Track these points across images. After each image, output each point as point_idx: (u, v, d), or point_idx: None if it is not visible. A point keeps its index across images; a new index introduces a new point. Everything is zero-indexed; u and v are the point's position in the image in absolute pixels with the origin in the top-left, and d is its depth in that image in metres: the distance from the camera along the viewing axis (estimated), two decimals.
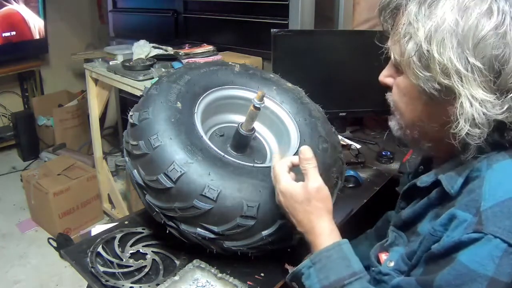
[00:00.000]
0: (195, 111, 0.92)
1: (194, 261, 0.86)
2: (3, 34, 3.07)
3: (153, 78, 1.77)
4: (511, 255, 0.52)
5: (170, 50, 1.94)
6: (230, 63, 1.08)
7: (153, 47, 1.99)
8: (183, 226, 0.82)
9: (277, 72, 1.17)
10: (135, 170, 0.84)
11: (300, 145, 0.95)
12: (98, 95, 2.20)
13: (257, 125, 0.99)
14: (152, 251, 0.92)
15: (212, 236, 0.81)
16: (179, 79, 0.96)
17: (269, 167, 0.82)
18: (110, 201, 2.46)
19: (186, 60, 1.79)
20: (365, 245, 1.05)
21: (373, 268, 0.73)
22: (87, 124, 2.82)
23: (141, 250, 0.92)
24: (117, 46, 2.37)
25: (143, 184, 0.83)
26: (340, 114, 1.67)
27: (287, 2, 1.80)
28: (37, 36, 3.30)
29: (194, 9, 2.39)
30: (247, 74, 1.06)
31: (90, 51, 3.11)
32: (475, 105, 0.56)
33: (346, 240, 0.70)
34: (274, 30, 1.53)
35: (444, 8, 0.57)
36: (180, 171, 0.79)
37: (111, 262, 0.88)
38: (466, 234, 0.54)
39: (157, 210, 0.83)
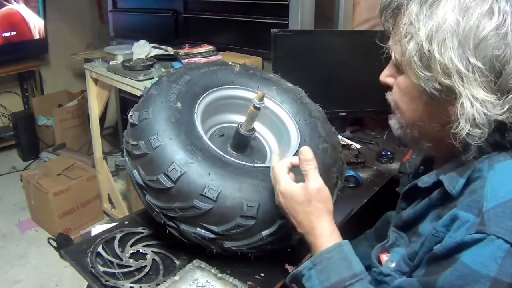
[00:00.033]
0: (195, 111, 0.92)
1: (194, 261, 0.86)
2: (3, 34, 3.07)
3: (153, 78, 1.77)
4: None
5: (170, 50, 1.94)
6: (230, 63, 1.08)
7: (153, 47, 1.99)
8: (183, 226, 0.82)
9: (277, 72, 1.17)
10: (135, 170, 0.84)
11: (300, 145, 0.95)
12: (98, 95, 2.20)
13: (257, 125, 0.99)
14: (152, 251, 0.92)
15: (212, 236, 0.81)
16: (179, 79, 0.96)
17: (269, 167, 0.82)
18: (110, 201, 2.46)
19: (186, 60, 1.79)
20: (364, 246, 1.05)
21: (374, 269, 0.73)
22: (87, 124, 2.82)
23: (141, 250, 0.92)
24: (117, 46, 2.37)
25: (143, 184, 0.83)
26: (340, 114, 1.67)
27: (287, 2, 1.80)
28: (37, 36, 3.30)
29: (194, 9, 2.39)
30: (247, 74, 1.06)
31: (90, 51, 3.11)
32: (476, 105, 0.56)
33: (346, 241, 0.70)
34: (274, 30, 1.53)
35: (445, 8, 0.57)
36: (180, 171, 0.79)
37: (111, 262, 0.88)
38: (469, 234, 0.54)
39: (157, 210, 0.83)
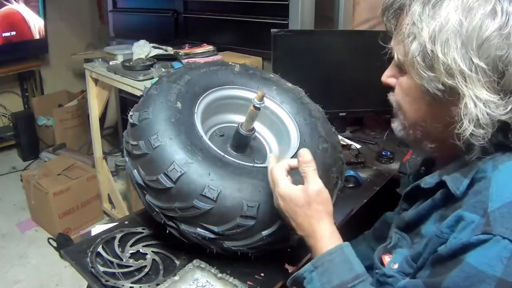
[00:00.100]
0: (195, 111, 0.92)
1: (194, 261, 0.86)
2: (3, 34, 3.07)
3: (153, 78, 1.77)
4: None
5: (170, 50, 1.94)
6: (230, 63, 1.08)
7: (153, 47, 1.99)
8: (183, 226, 0.82)
9: (277, 72, 1.17)
10: (135, 170, 0.84)
11: (300, 145, 0.95)
12: (98, 95, 2.20)
13: (257, 125, 0.99)
14: (152, 251, 0.92)
15: (212, 236, 0.81)
16: (179, 79, 0.96)
17: None
18: (110, 201, 2.46)
19: (186, 60, 1.79)
20: (363, 246, 1.05)
21: (377, 270, 0.72)
22: (87, 124, 2.82)
23: (141, 250, 0.92)
24: (117, 46, 2.37)
25: (143, 184, 0.83)
26: (340, 114, 1.67)
27: (287, 2, 1.80)
28: (37, 36, 3.30)
29: (194, 9, 2.39)
30: (247, 74, 1.06)
31: (90, 51, 3.11)
32: (479, 105, 0.56)
33: (347, 243, 0.70)
34: (274, 30, 1.53)
35: (448, 9, 0.57)
36: (180, 171, 0.79)
37: (111, 262, 0.88)
38: (474, 235, 0.54)
39: (157, 210, 0.83)
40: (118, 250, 0.91)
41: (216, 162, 0.83)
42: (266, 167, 0.87)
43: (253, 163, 0.90)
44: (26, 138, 3.23)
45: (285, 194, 0.73)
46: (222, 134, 1.01)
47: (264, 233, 0.81)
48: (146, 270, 0.86)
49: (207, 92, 0.98)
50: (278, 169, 0.76)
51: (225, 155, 0.87)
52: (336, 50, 1.63)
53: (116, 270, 0.85)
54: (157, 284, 0.82)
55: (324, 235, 0.71)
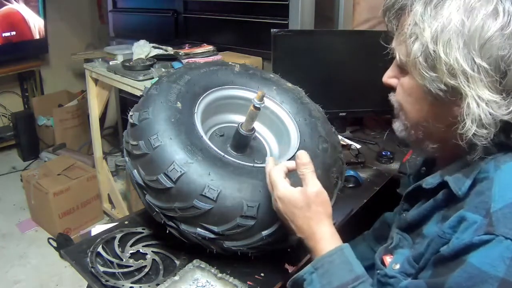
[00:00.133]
0: (195, 111, 0.92)
1: (194, 261, 0.86)
2: (3, 34, 3.07)
3: (153, 78, 1.77)
4: None
5: (170, 50, 1.94)
6: (230, 63, 1.08)
7: (153, 47, 1.99)
8: (183, 226, 0.82)
9: (277, 72, 1.17)
10: (135, 170, 0.84)
11: (300, 145, 0.95)
12: (98, 95, 2.20)
13: (257, 125, 0.99)
14: (152, 251, 0.92)
15: (212, 236, 0.81)
16: (179, 79, 0.96)
17: None
18: (110, 201, 2.46)
19: (186, 60, 1.79)
20: (363, 246, 1.05)
21: (378, 271, 0.72)
22: (87, 124, 2.82)
23: (141, 250, 0.92)
24: (117, 46, 2.37)
25: (143, 184, 0.83)
26: (340, 114, 1.67)
27: (287, 2, 1.80)
28: (37, 36, 3.30)
29: (194, 9, 2.39)
30: (247, 74, 1.06)
31: (90, 51, 3.11)
32: (482, 105, 0.56)
33: (347, 244, 0.70)
34: (274, 30, 1.53)
35: (450, 9, 0.57)
36: (180, 171, 0.79)
37: (111, 262, 0.88)
38: (477, 236, 0.54)
39: (157, 210, 0.83)
40: (118, 250, 0.91)
41: (216, 162, 0.83)
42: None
43: (253, 163, 0.90)
44: (26, 138, 3.23)
45: (284, 196, 0.73)
46: (222, 134, 1.01)
47: (264, 233, 0.81)
48: (146, 270, 0.86)
49: (207, 92, 0.98)
50: (276, 171, 0.76)
51: (225, 155, 0.87)
52: (336, 50, 1.63)
53: (116, 270, 0.85)
54: (157, 284, 0.82)
55: (324, 236, 0.70)
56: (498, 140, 0.60)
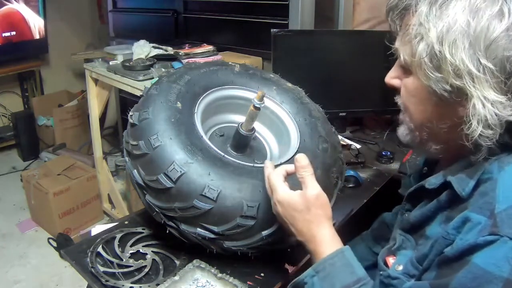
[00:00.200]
0: (195, 111, 0.92)
1: (194, 261, 0.86)
2: (3, 34, 3.07)
3: (153, 78, 1.77)
4: None
5: (170, 50, 1.94)
6: (230, 63, 1.08)
7: (153, 47, 1.99)
8: (183, 226, 0.82)
9: (277, 72, 1.17)
10: (135, 170, 0.84)
11: (300, 145, 0.95)
12: (98, 95, 2.20)
13: (257, 125, 0.99)
14: (152, 251, 0.92)
15: (212, 236, 0.81)
16: (179, 79, 0.96)
17: None
18: (110, 201, 2.46)
19: (186, 60, 1.79)
20: (362, 247, 1.05)
21: (381, 272, 0.72)
22: (87, 124, 2.82)
23: (141, 250, 0.92)
24: (117, 46, 2.37)
25: (143, 184, 0.83)
26: (340, 114, 1.67)
27: (287, 2, 1.80)
28: (37, 36, 3.30)
29: (194, 9, 2.39)
30: (247, 74, 1.06)
31: (90, 51, 3.11)
32: (488, 106, 0.56)
33: (347, 247, 0.70)
34: (274, 30, 1.53)
35: (456, 9, 0.57)
36: (180, 171, 0.79)
37: (111, 262, 0.88)
38: (481, 236, 0.54)
39: (157, 210, 0.83)
40: (118, 250, 0.91)
41: (216, 162, 0.83)
42: None
43: (253, 163, 0.90)
44: (26, 138, 3.23)
45: (284, 200, 0.73)
46: (222, 134, 1.01)
47: (264, 233, 0.81)
48: (146, 270, 0.86)
49: (207, 92, 0.98)
50: (275, 175, 0.76)
51: (225, 155, 0.87)
52: (336, 50, 1.63)
53: (116, 270, 0.85)
54: (157, 284, 0.82)
55: (324, 239, 0.70)
56: (502, 140, 0.60)
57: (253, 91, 1.02)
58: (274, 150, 1.03)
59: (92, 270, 0.84)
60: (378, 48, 1.51)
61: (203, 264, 0.85)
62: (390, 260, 0.72)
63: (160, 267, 0.87)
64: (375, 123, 1.81)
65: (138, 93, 1.57)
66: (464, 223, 0.58)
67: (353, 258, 0.68)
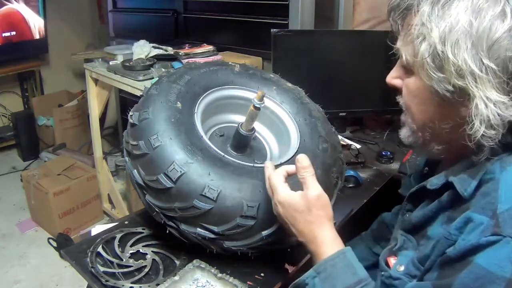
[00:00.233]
0: (195, 111, 0.92)
1: (194, 261, 0.86)
2: (3, 34, 3.07)
3: (153, 78, 1.77)
4: None
5: (170, 50, 1.94)
6: (230, 63, 1.08)
7: (153, 47, 1.99)
8: (183, 226, 0.82)
9: (277, 72, 1.17)
10: (135, 170, 0.84)
11: (300, 145, 0.95)
12: (98, 95, 2.20)
13: (257, 125, 0.99)
14: (152, 251, 0.92)
15: (212, 236, 0.81)
16: (179, 79, 0.96)
17: None
18: (110, 201, 2.46)
19: (186, 60, 1.79)
20: (361, 247, 1.05)
21: (382, 272, 0.72)
22: (87, 124, 2.82)
23: (141, 250, 0.92)
24: (117, 46, 2.37)
25: (143, 184, 0.83)
26: (340, 114, 1.67)
27: (287, 2, 1.80)
28: (37, 36, 3.30)
29: (194, 9, 2.39)
30: (247, 74, 1.06)
31: (90, 51, 3.11)
32: (490, 106, 0.56)
33: (349, 248, 0.70)
34: (274, 30, 1.53)
35: (458, 9, 0.57)
36: (180, 171, 0.79)
37: (111, 262, 0.88)
38: (483, 237, 0.54)
39: (157, 210, 0.83)
40: (118, 250, 0.91)
41: (216, 162, 0.83)
42: None
43: (253, 163, 0.90)
44: (26, 138, 3.23)
45: (285, 200, 0.73)
46: (222, 134, 1.01)
47: (264, 233, 0.81)
48: (146, 270, 0.86)
49: (207, 92, 0.98)
50: (276, 176, 0.76)
51: (225, 155, 0.87)
52: (336, 50, 1.63)
53: (116, 270, 0.85)
54: (157, 284, 0.82)
55: (326, 240, 0.70)
56: (505, 140, 0.60)
57: (253, 91, 1.02)
58: (274, 150, 1.03)
59: (92, 270, 0.84)
60: (378, 48, 1.51)
61: (203, 264, 0.85)
62: (392, 261, 0.72)
63: (160, 267, 0.87)
64: (375, 123, 1.81)
65: (138, 93, 1.57)
66: (466, 223, 0.58)
67: (354, 259, 0.68)
